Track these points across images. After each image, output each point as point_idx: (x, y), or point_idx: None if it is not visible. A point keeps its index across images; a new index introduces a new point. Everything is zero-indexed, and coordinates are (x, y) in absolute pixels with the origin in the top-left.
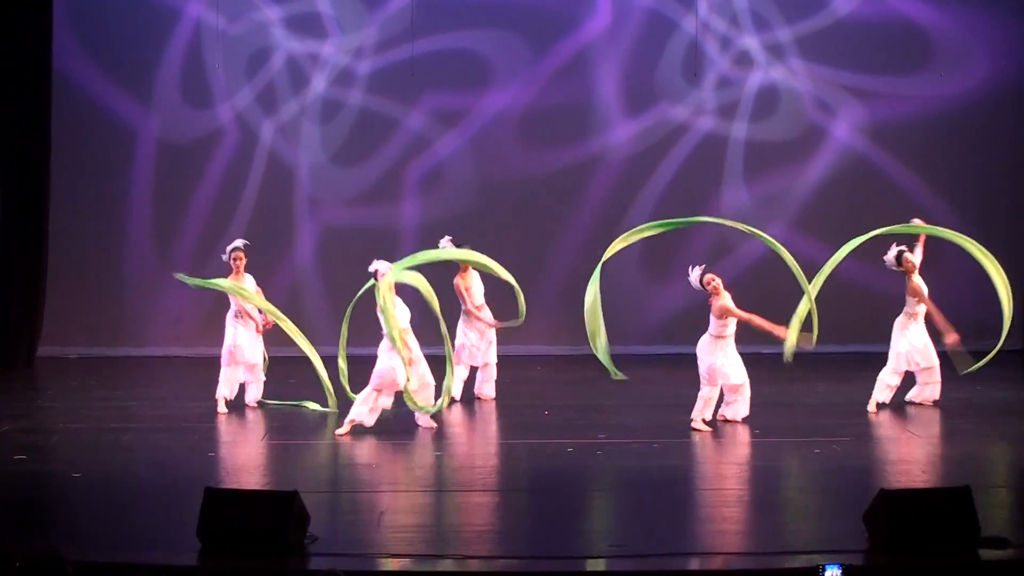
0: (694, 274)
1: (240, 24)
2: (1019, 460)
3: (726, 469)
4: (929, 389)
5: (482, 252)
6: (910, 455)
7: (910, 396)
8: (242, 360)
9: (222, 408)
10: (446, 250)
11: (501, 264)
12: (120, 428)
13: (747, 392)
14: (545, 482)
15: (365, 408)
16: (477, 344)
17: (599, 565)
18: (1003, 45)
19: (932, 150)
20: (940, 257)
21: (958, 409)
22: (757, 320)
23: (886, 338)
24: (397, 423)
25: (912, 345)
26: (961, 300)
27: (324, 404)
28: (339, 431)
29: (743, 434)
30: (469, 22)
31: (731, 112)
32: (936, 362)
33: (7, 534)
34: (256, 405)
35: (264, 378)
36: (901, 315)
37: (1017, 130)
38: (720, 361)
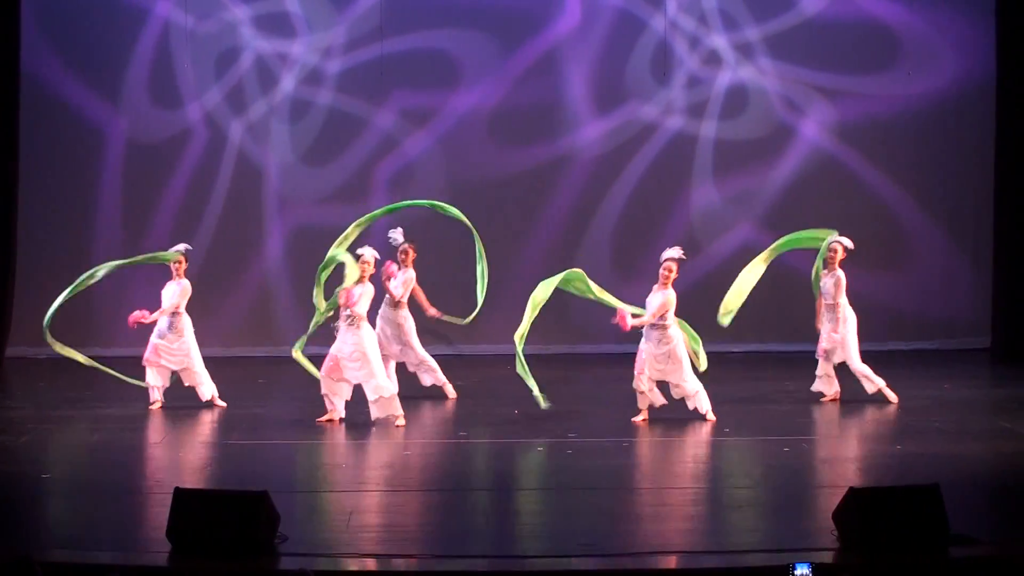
0: (669, 252)
1: (209, 23)
2: (987, 458)
3: (696, 467)
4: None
5: (451, 252)
6: (879, 453)
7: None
8: (155, 362)
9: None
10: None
11: (470, 264)
12: (89, 428)
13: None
14: (515, 481)
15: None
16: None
17: (569, 564)
18: (970, 45)
19: (900, 149)
20: (909, 258)
21: (927, 407)
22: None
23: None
24: (367, 422)
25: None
26: (929, 301)
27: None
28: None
29: (712, 432)
30: (438, 21)
31: (700, 111)
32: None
33: None
34: (219, 402)
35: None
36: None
37: (984, 129)
38: (645, 349)
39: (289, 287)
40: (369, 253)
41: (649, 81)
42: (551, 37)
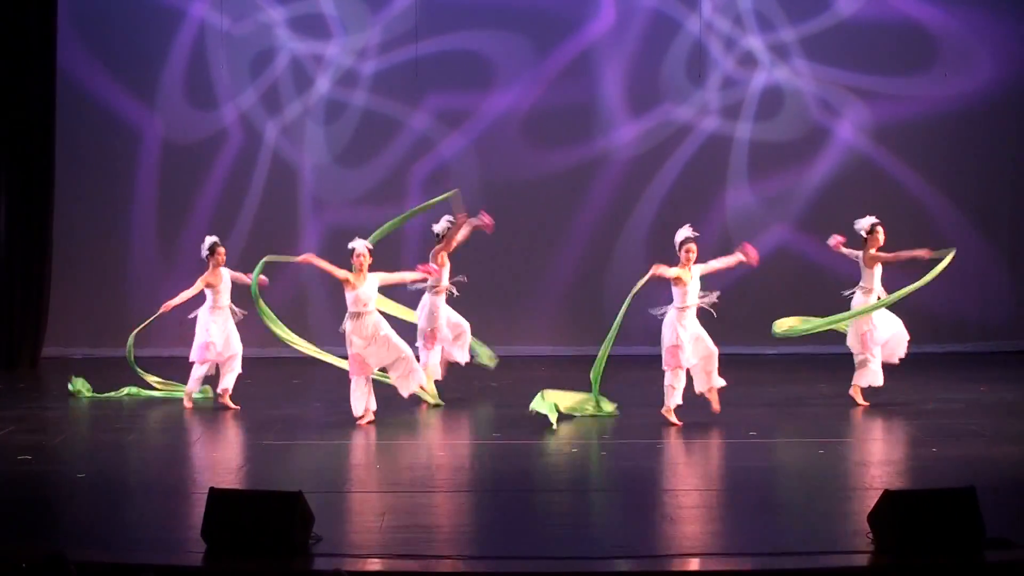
0: (682, 233)
1: (244, 25)
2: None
3: (728, 470)
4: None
5: (486, 253)
6: (914, 456)
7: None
8: (215, 356)
9: (188, 404)
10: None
11: (504, 266)
12: (124, 429)
13: (714, 364)
14: (548, 482)
15: (358, 396)
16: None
17: (600, 566)
18: (1007, 46)
19: (935, 151)
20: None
21: (963, 410)
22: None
23: None
24: (401, 424)
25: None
26: (964, 303)
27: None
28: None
29: (745, 434)
30: (473, 23)
31: (735, 112)
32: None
33: (11, 535)
34: (224, 395)
35: (239, 370)
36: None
37: (1020, 131)
38: (678, 338)
39: (323, 288)
40: (362, 245)
41: (684, 82)
42: (586, 38)
